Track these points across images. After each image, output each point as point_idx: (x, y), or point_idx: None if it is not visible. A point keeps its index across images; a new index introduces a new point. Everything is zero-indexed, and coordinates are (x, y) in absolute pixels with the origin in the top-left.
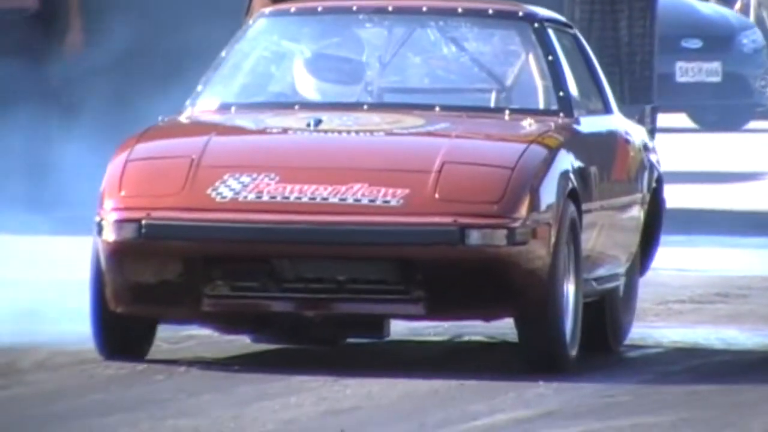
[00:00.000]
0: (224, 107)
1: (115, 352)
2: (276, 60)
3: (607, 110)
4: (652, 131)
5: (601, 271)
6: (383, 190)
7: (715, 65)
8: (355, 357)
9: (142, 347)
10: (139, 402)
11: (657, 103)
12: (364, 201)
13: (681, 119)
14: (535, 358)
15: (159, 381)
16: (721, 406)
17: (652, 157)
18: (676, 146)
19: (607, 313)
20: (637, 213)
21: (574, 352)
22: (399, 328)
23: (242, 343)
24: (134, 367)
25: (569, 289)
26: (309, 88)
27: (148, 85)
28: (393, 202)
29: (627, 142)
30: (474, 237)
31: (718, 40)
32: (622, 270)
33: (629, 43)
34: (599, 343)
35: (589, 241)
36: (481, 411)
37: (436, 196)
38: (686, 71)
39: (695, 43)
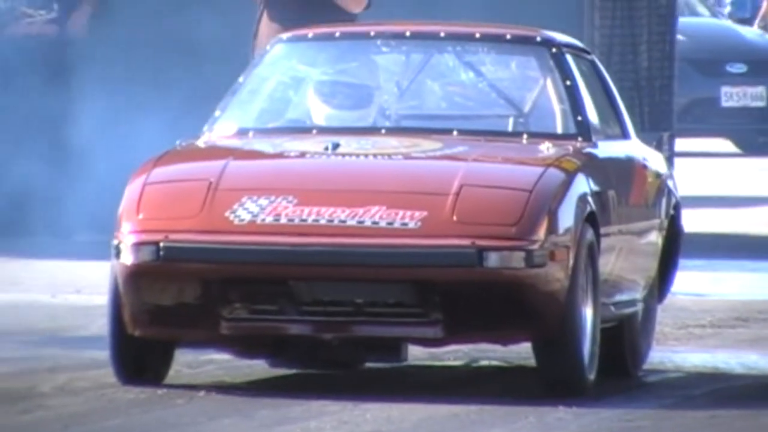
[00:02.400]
0: (242, 132)
1: (132, 376)
2: (294, 85)
3: (624, 135)
4: (670, 157)
5: (620, 296)
6: (401, 212)
7: (760, 90)
8: (374, 381)
9: (160, 372)
10: (159, 426)
11: (696, 126)
12: (382, 223)
13: (725, 144)
14: (553, 382)
15: (179, 405)
16: (741, 430)
17: (670, 184)
18: (718, 171)
19: (625, 338)
20: (655, 238)
21: (592, 377)
22: (418, 353)
23: (262, 367)
24: (154, 391)
25: (587, 313)
26: (319, 114)
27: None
28: (411, 225)
29: (644, 167)
30: (492, 259)
31: (762, 64)
32: (640, 295)
33: (648, 67)
34: (618, 367)
35: (607, 265)
36: None
37: (454, 218)
38: (731, 96)
39: (740, 68)
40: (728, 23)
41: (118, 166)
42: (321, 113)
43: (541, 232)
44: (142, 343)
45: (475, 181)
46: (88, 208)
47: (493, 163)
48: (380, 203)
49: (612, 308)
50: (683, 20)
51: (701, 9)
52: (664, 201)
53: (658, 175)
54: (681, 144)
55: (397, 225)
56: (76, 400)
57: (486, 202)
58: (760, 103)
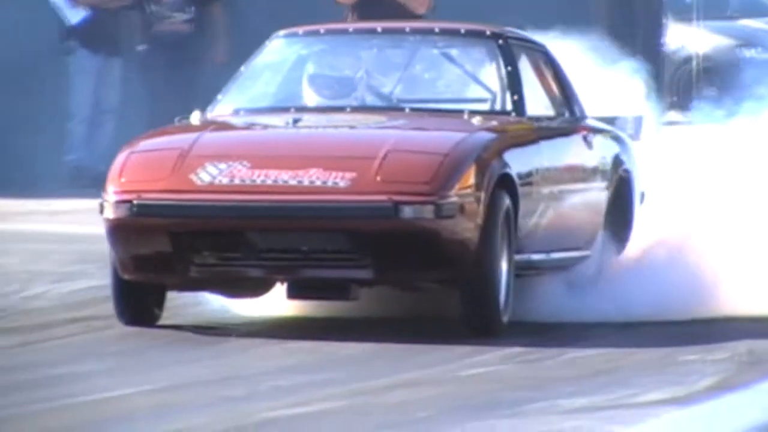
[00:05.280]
0: (236, 112)
1: (130, 316)
2: (285, 72)
3: (573, 114)
4: (635, 135)
5: (557, 247)
6: (334, 173)
7: None
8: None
9: (154, 313)
10: (216, 353)
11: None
12: (318, 183)
13: None
14: (471, 322)
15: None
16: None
17: (623, 156)
18: None
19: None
20: (596, 199)
21: (506, 319)
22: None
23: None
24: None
25: (502, 264)
26: (311, 100)
27: None
28: (341, 184)
29: (585, 138)
30: (406, 211)
31: None
32: (584, 247)
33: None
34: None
35: (536, 220)
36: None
37: (378, 178)
38: None
39: None
40: None
41: None
42: (312, 99)
43: (451, 189)
44: (136, 288)
45: (402, 147)
46: None
47: (422, 132)
48: (318, 166)
49: (548, 256)
50: None
51: None
52: (609, 169)
53: (603, 148)
54: None
55: (330, 184)
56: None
57: (407, 164)
58: None
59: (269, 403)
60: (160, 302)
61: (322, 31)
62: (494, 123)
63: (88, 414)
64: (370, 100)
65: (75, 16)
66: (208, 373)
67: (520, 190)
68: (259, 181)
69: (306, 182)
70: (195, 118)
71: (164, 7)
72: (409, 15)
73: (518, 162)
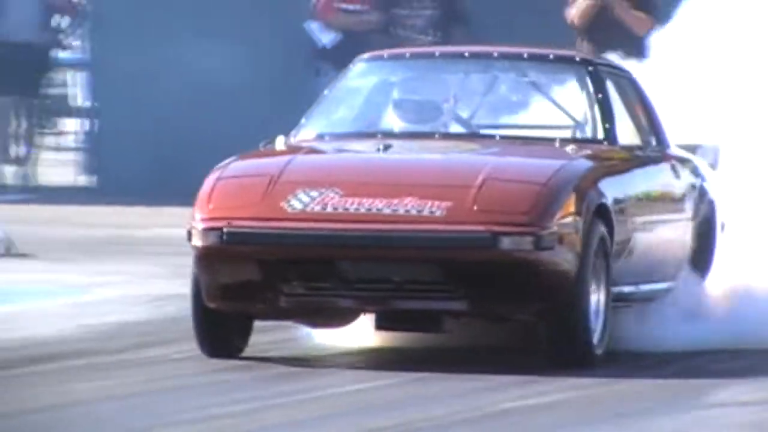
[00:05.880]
0: (320, 137)
1: (214, 348)
2: (370, 97)
3: (660, 143)
4: (713, 165)
5: (647, 277)
6: (430, 202)
7: None
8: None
9: (239, 345)
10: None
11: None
12: (413, 212)
13: None
14: (562, 353)
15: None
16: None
17: (705, 185)
18: None
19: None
20: (683, 230)
21: (600, 351)
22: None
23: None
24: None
25: (600, 296)
26: (396, 125)
27: None
28: (437, 213)
29: (673, 168)
30: (505, 242)
31: None
32: (672, 277)
33: None
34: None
35: (629, 251)
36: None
37: (475, 207)
38: None
39: None
40: None
41: None
42: (397, 124)
43: (551, 220)
44: (220, 318)
45: (497, 176)
46: None
47: (517, 161)
48: (413, 194)
49: (638, 288)
50: None
51: None
52: (694, 199)
53: (689, 177)
54: None
55: (425, 213)
56: None
57: (504, 193)
58: None
59: (506, 394)
60: (244, 333)
61: (407, 55)
62: (588, 151)
63: (341, 405)
64: (458, 126)
65: (327, 38)
66: (441, 367)
67: (615, 219)
68: (352, 210)
69: (401, 211)
70: (280, 143)
71: (411, 30)
72: (632, 38)
73: (613, 191)
